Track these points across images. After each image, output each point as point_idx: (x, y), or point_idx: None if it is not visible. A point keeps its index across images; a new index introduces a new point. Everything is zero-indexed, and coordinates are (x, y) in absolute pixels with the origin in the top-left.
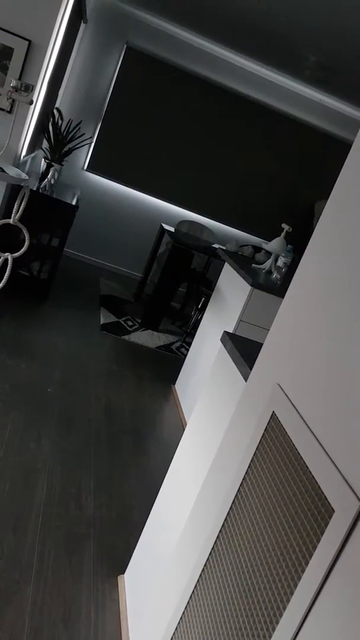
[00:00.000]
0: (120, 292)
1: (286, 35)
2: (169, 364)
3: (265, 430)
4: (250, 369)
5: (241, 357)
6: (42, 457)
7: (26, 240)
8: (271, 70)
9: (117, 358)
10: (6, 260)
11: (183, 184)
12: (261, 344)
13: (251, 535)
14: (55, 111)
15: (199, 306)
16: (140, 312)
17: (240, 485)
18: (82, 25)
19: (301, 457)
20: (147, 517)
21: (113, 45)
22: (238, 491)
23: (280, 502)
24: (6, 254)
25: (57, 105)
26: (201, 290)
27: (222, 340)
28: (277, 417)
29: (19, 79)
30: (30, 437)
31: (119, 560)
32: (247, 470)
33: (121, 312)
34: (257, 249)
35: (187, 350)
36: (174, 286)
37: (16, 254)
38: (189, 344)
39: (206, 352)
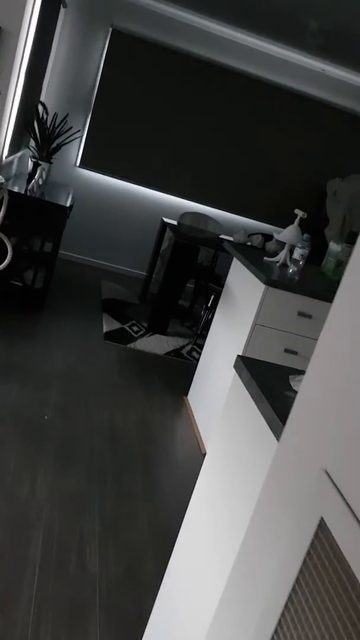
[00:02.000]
0: (123, 294)
1: (283, 1)
2: (179, 371)
3: (311, 545)
4: (275, 411)
5: (261, 392)
6: (37, 504)
7: (9, 251)
8: (270, 43)
9: (123, 370)
10: None
11: (183, 173)
12: (287, 370)
13: None
14: (39, 105)
15: (209, 305)
16: (146, 315)
17: (280, 619)
18: (62, 10)
19: None
20: (162, 570)
21: (97, 30)
22: (278, 626)
23: None
24: None
25: (41, 99)
26: (210, 287)
27: (235, 367)
28: (327, 528)
29: None
30: (24, 479)
31: (130, 633)
32: (288, 602)
33: (125, 317)
34: (267, 237)
35: (199, 353)
36: (180, 285)
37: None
38: (200, 347)
39: (219, 358)
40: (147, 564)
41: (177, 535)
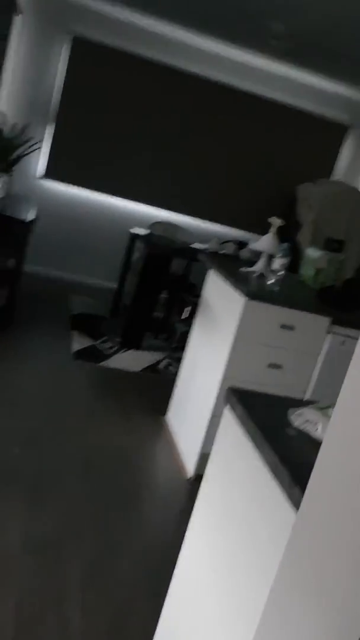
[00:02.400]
0: (94, 308)
1: (247, 5)
2: (157, 388)
3: None
4: (278, 457)
5: (260, 432)
6: (8, 553)
7: None
8: (236, 48)
9: (97, 391)
10: None
11: (151, 181)
12: (283, 401)
13: None
14: None
15: (185, 316)
16: (118, 330)
17: None
18: (17, 17)
19: None
20: (155, 620)
21: (56, 37)
22: None
23: None
24: None
25: None
26: (184, 297)
27: (227, 400)
28: None
29: None
30: None
31: None
32: None
33: (97, 333)
34: (241, 244)
35: (176, 368)
36: (153, 296)
37: None
38: (177, 360)
39: (199, 375)
40: (137, 615)
41: (168, 577)
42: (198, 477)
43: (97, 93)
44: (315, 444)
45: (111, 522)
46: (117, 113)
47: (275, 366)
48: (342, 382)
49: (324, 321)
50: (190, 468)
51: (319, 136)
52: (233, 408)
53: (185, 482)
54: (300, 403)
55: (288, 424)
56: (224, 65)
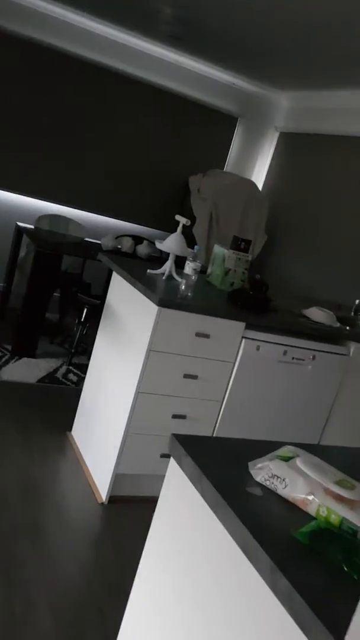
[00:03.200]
0: None
1: None
2: (58, 400)
3: None
4: (250, 532)
5: (219, 495)
6: None
7: None
8: (126, 33)
9: None
10: None
11: (37, 171)
12: (238, 447)
13: None
14: None
15: (82, 319)
16: (8, 336)
17: None
18: None
19: None
20: None
21: None
22: None
23: None
24: None
25: None
26: (80, 298)
27: (172, 452)
28: None
29: None
30: None
31: None
32: None
33: None
34: (137, 239)
35: (76, 375)
36: (45, 297)
37: None
38: (78, 367)
39: (108, 387)
40: None
41: (89, 619)
42: (111, 500)
43: None
44: (287, 506)
45: (19, 566)
46: None
47: (191, 377)
48: (257, 388)
49: (238, 327)
50: (102, 491)
51: (212, 126)
52: (181, 463)
53: (97, 507)
54: (255, 446)
55: (249, 480)
56: (114, 50)
